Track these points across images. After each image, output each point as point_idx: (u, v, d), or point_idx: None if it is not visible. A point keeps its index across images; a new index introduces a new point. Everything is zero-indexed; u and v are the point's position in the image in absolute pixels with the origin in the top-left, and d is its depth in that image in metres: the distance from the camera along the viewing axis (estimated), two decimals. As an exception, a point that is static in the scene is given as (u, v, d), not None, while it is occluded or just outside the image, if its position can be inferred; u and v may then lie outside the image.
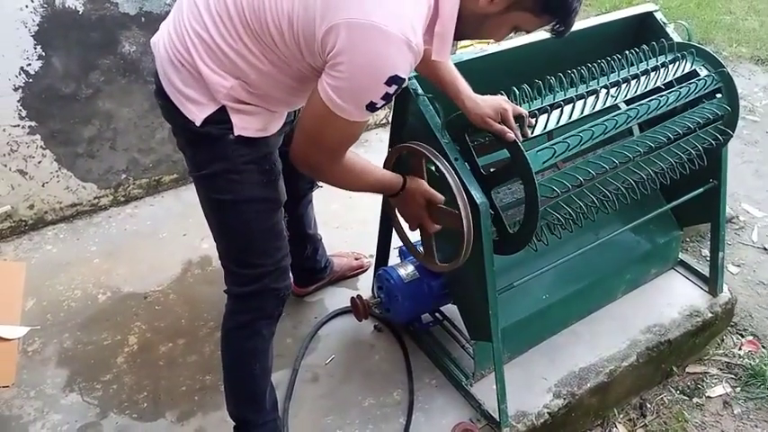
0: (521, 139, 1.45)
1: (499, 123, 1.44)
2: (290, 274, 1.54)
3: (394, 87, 1.12)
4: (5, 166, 2.24)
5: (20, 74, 2.12)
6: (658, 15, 1.97)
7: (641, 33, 1.95)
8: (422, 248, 1.67)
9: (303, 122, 1.24)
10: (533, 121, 1.51)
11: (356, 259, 2.26)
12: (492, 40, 1.33)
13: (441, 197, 1.49)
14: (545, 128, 1.52)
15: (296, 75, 1.26)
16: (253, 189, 1.36)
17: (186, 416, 1.79)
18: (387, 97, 1.13)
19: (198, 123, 1.28)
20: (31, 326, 1.76)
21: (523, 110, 1.50)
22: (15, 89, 2.14)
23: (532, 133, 1.50)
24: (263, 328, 1.53)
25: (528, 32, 1.29)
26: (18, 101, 2.16)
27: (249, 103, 1.28)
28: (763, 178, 3.17)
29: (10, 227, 2.36)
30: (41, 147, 2.28)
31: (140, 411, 1.80)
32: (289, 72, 1.25)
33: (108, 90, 2.31)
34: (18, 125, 2.20)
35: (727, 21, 4.89)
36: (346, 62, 1.10)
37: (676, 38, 1.92)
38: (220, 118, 1.27)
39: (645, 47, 1.78)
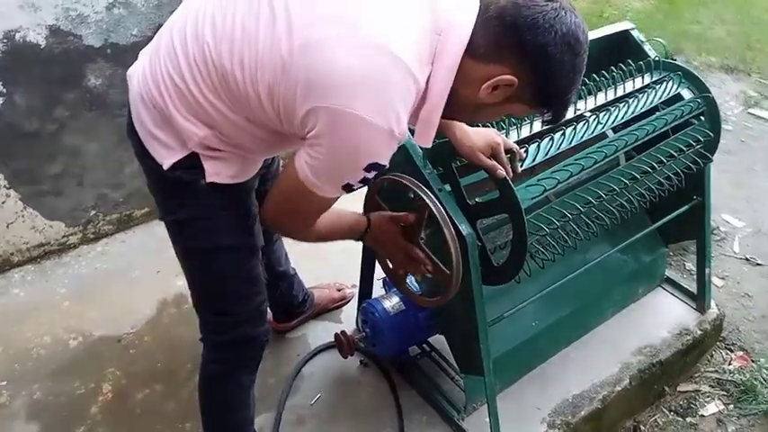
0: (510, 175, 1.40)
1: (490, 158, 1.39)
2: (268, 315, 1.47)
3: (373, 173, 1.10)
4: (-34, 208, 2.14)
5: (-21, 112, 2.03)
6: (635, 33, 1.96)
7: (620, 51, 1.93)
8: (410, 281, 1.61)
9: (277, 190, 1.21)
10: (524, 154, 1.47)
11: (338, 290, 2.19)
12: None
13: (408, 216, 1.42)
14: (534, 160, 1.48)
15: (273, 132, 1.19)
16: (227, 236, 1.29)
17: (166, 467, 1.71)
18: (364, 181, 1.12)
19: (165, 167, 1.20)
20: (-3, 378, 1.68)
21: (515, 145, 1.45)
22: (-25, 128, 2.05)
23: (522, 167, 1.46)
24: (242, 377, 1.46)
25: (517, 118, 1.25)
26: (-22, 140, 2.07)
27: (222, 150, 1.21)
28: (740, 187, 3.18)
29: (-27, 271, 2.25)
30: (5, 187, 2.18)
31: (117, 465, 1.71)
32: (265, 129, 1.18)
33: (74, 125, 2.23)
34: (-21, 165, 2.11)
35: (695, 30, 4.96)
36: (326, 145, 1.06)
37: (653, 55, 1.91)
38: (191, 163, 1.20)
39: (628, 66, 1.76)
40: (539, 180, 1.49)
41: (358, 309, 1.92)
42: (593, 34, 1.93)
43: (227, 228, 1.28)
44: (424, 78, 1.07)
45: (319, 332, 2.07)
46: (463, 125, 1.40)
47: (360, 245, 1.83)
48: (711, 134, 1.81)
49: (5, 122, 2.10)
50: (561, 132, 1.57)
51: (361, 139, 1.04)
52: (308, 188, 1.12)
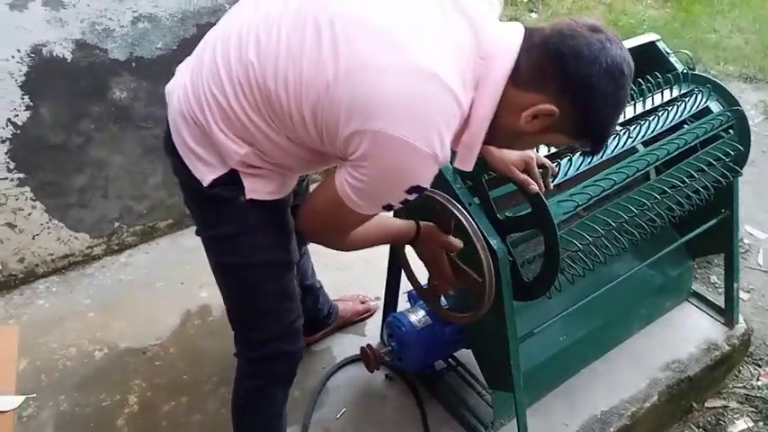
0: (543, 190, 1.39)
1: (522, 172, 1.38)
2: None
3: (414, 195, 1.10)
4: (-7, 219, 2.16)
5: (7, 125, 2.05)
6: (661, 45, 1.95)
7: (645, 63, 1.92)
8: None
9: (315, 204, 1.21)
10: (556, 169, 1.46)
11: (362, 303, 2.19)
12: None
13: (458, 242, 1.42)
14: (565, 175, 1.47)
15: (313, 151, 1.19)
16: (264, 252, 1.29)
17: (192, 481, 1.70)
18: (405, 202, 1.12)
19: (206, 184, 1.21)
20: (24, 388, 1.67)
21: (547, 161, 1.44)
22: (2, 141, 2.06)
23: (554, 182, 1.45)
24: (277, 393, 1.46)
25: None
26: (6, 153, 2.08)
27: (262, 168, 1.21)
28: (762, 198, 3.14)
29: (0, 282, 2.26)
30: (31, 198, 2.19)
31: (144, 478, 1.71)
32: (306, 149, 1.18)
33: (99, 138, 2.24)
34: (6, 178, 2.12)
35: (713, 39, 4.93)
36: (369, 168, 1.06)
37: (680, 66, 1.90)
38: (230, 180, 1.20)
39: (656, 78, 1.75)
40: (570, 195, 1.48)
41: (383, 322, 1.91)
42: (621, 47, 1.93)
43: (264, 244, 1.28)
44: (467, 103, 1.07)
45: (344, 345, 2.06)
46: None
47: (382, 255, 1.84)
48: (741, 147, 1.79)
49: (32, 135, 2.11)
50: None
51: (404, 162, 1.04)
52: (347, 205, 1.12)
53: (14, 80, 2.00)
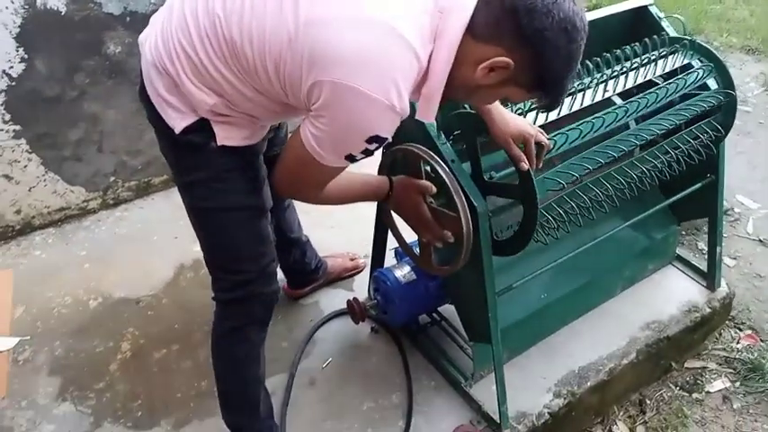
0: (534, 168, 1.42)
1: (519, 146, 1.40)
2: (279, 278, 1.51)
3: (375, 145, 1.14)
4: (-10, 171, 2.20)
5: (2, 77, 2.07)
6: (653, 9, 1.95)
7: (636, 28, 1.93)
8: (418, 251, 1.64)
9: (285, 159, 1.25)
10: (551, 146, 1.47)
11: (351, 260, 2.23)
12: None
13: (431, 186, 1.43)
14: (558, 149, 1.49)
15: (280, 103, 1.23)
16: (237, 197, 1.34)
17: (182, 423, 1.76)
18: (366, 152, 1.15)
19: (177, 131, 1.24)
20: (20, 335, 1.73)
21: (545, 139, 1.44)
22: (-2, 93, 2.09)
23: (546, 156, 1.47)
24: (252, 334, 1.51)
25: (514, 103, 1.31)
26: (1, 104, 2.11)
27: (231, 116, 1.25)
28: (756, 169, 3.16)
29: (-3, 233, 2.31)
30: (27, 151, 2.23)
31: (135, 420, 1.77)
32: (273, 100, 1.22)
33: (93, 92, 2.26)
34: (2, 129, 2.15)
35: (717, 11, 4.87)
36: (328, 117, 1.10)
37: (672, 32, 1.90)
38: (201, 127, 1.24)
39: (640, 42, 1.75)
40: (558, 172, 1.51)
41: (370, 277, 1.95)
42: (610, 9, 1.93)
43: (236, 189, 1.33)
44: (425, 55, 1.10)
45: (332, 299, 2.11)
46: (502, 109, 1.41)
47: (372, 214, 1.87)
48: (724, 97, 1.78)
49: (28, 87, 2.14)
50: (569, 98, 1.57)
51: (361, 112, 1.08)
52: (313, 157, 1.16)
53: (9, 31, 2.02)
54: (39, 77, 2.14)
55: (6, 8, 1.97)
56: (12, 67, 2.06)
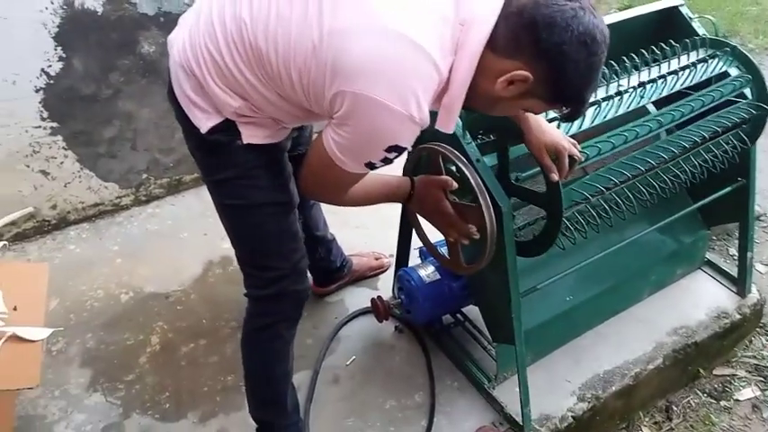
0: (563, 179, 1.42)
1: (551, 156, 1.41)
2: (309, 276, 1.54)
3: (394, 154, 1.16)
4: (28, 166, 2.26)
5: (41, 75, 2.13)
6: (684, 10, 1.92)
7: (667, 28, 1.91)
8: (444, 250, 1.64)
9: (309, 163, 1.27)
10: (583, 158, 1.48)
11: (376, 259, 2.24)
12: None
13: (451, 180, 1.44)
14: (569, 130, 1.49)
15: (302, 109, 1.26)
16: (264, 193, 1.36)
17: (208, 416, 1.80)
18: (386, 160, 1.18)
19: (204, 131, 1.28)
20: (54, 326, 1.77)
21: (578, 153, 1.45)
22: (37, 91, 2.15)
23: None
24: (283, 331, 1.53)
25: (536, 114, 1.31)
26: (39, 102, 2.17)
27: (255, 117, 1.28)
28: (791, 173, 3.09)
29: (33, 227, 2.38)
30: (63, 147, 2.29)
31: (163, 412, 1.81)
32: (296, 106, 1.25)
33: (128, 90, 2.32)
34: (40, 126, 2.21)
35: (754, 12, 4.78)
36: (350, 126, 1.13)
37: (703, 32, 1.88)
38: (227, 127, 1.27)
39: (675, 43, 1.73)
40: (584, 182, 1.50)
41: (394, 276, 1.96)
42: (641, 10, 1.91)
43: (262, 185, 1.35)
44: (446, 67, 1.11)
45: (357, 297, 2.13)
46: (540, 117, 1.42)
47: (397, 214, 1.89)
48: (758, 111, 1.76)
49: (65, 85, 2.20)
50: (600, 107, 1.56)
51: (382, 123, 1.10)
52: (335, 162, 1.18)
53: (48, 31, 2.08)
54: (75, 76, 2.20)
55: (46, 8, 2.03)
56: (50, 65, 2.13)
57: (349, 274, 2.15)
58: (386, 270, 2.23)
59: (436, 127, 1.20)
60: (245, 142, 1.29)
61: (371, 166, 1.20)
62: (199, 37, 1.23)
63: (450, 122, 1.19)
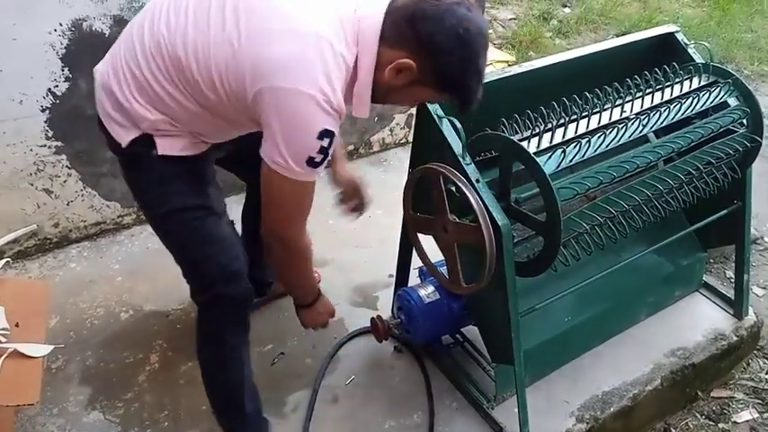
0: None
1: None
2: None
3: (327, 140, 1.26)
4: (32, 185, 2.28)
5: (47, 95, 2.17)
6: (680, 36, 1.97)
7: (663, 54, 1.95)
8: (444, 270, 1.66)
9: (263, 193, 1.36)
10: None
11: None
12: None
13: (332, 316, 1.78)
14: (583, 156, 1.51)
15: (224, 117, 1.36)
16: (183, 198, 1.44)
17: (206, 435, 1.79)
18: (323, 151, 1.27)
19: (124, 145, 1.38)
20: (54, 343, 1.78)
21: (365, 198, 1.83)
22: (43, 110, 2.18)
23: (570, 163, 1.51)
24: (228, 337, 1.55)
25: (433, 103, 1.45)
26: (45, 121, 2.20)
27: (172, 131, 1.37)
28: (787, 198, 3.12)
29: (35, 244, 2.39)
30: (67, 166, 2.31)
31: (161, 430, 1.81)
32: (217, 114, 1.35)
33: (132, 111, 2.35)
34: (45, 145, 2.24)
35: (749, 39, 4.87)
36: (276, 122, 1.24)
37: (698, 59, 1.92)
38: (145, 140, 1.37)
39: (678, 69, 1.77)
40: (580, 179, 1.52)
41: (394, 296, 1.98)
42: (637, 36, 1.95)
43: (179, 191, 1.43)
44: (351, 57, 1.27)
45: (356, 317, 2.13)
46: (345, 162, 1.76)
47: (397, 234, 1.91)
48: (753, 143, 1.80)
49: (70, 105, 2.22)
50: (601, 134, 1.59)
51: (302, 109, 1.21)
52: (282, 175, 1.27)
53: (56, 52, 2.11)
54: (81, 96, 2.23)
55: (55, 30, 2.07)
56: (57, 86, 2.16)
57: (271, 293, 2.13)
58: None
59: (353, 114, 1.34)
60: (159, 153, 1.37)
61: (313, 162, 1.27)
62: (120, 59, 1.35)
63: (364, 108, 1.34)
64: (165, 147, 1.39)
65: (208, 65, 1.25)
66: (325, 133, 1.24)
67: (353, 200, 1.81)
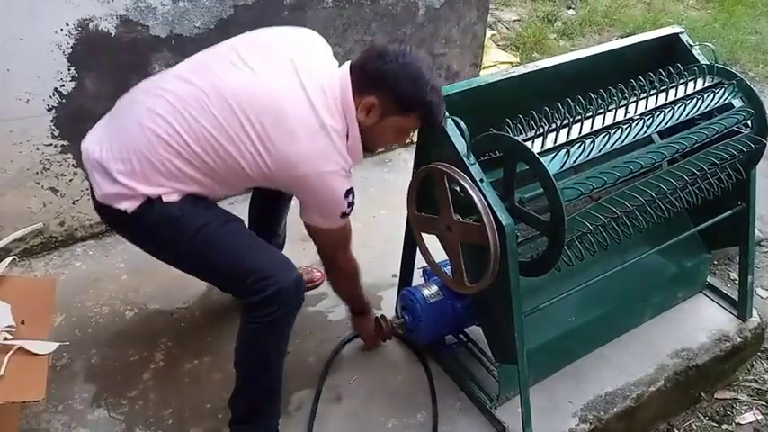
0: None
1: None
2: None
3: (351, 196, 1.56)
4: (38, 183, 2.29)
5: (53, 95, 2.18)
6: (684, 37, 1.97)
7: (668, 55, 1.95)
8: (448, 270, 1.67)
9: (319, 244, 1.69)
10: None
11: (306, 273, 2.23)
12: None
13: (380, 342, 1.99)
14: (576, 161, 1.51)
15: (235, 186, 1.64)
16: (202, 216, 1.56)
17: (210, 433, 1.80)
18: (350, 204, 1.57)
19: (129, 212, 1.51)
20: (60, 341, 1.80)
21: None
22: (49, 109, 2.19)
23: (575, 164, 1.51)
24: (287, 325, 1.61)
25: (414, 130, 1.62)
26: (51, 121, 2.21)
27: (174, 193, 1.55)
28: (791, 200, 3.11)
29: (41, 243, 2.40)
30: (73, 165, 2.32)
31: (165, 428, 1.81)
32: (230, 186, 1.63)
33: (138, 110, 2.35)
34: (51, 144, 2.25)
35: (753, 41, 4.86)
36: (311, 198, 1.56)
37: (703, 60, 1.92)
38: (148, 201, 1.52)
39: (683, 69, 1.77)
40: (586, 180, 1.53)
41: (398, 296, 1.98)
42: (642, 37, 1.96)
43: (196, 213, 1.55)
44: (344, 124, 1.52)
45: (360, 317, 2.13)
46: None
47: (401, 234, 1.91)
48: (757, 144, 1.80)
49: (76, 105, 2.24)
50: (606, 135, 1.59)
51: (328, 182, 1.52)
52: (325, 228, 1.60)
53: (62, 52, 2.12)
54: (87, 95, 2.24)
55: (61, 30, 2.08)
56: (63, 85, 2.17)
57: None
58: (319, 285, 2.24)
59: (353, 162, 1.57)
60: (164, 200, 1.51)
61: (344, 215, 1.58)
62: (126, 147, 1.51)
63: (359, 155, 1.58)
64: (168, 196, 1.53)
65: (234, 170, 1.52)
66: (349, 192, 1.54)
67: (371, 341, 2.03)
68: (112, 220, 1.61)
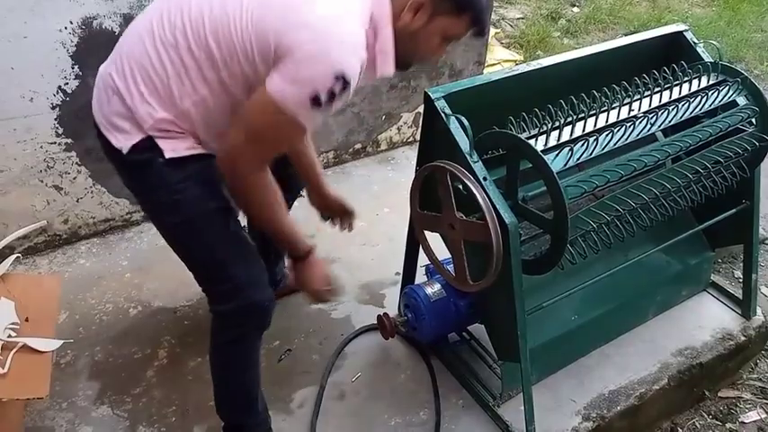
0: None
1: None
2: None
3: (339, 87, 1.22)
4: (42, 181, 2.30)
5: (57, 93, 2.18)
6: (689, 35, 1.96)
7: (672, 53, 1.94)
8: (451, 267, 1.66)
9: (245, 117, 1.30)
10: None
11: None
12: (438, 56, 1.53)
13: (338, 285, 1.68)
14: (579, 159, 1.51)
15: (234, 94, 1.33)
16: (199, 203, 1.40)
17: (214, 431, 1.80)
18: (330, 96, 1.22)
19: (125, 151, 1.35)
20: (64, 339, 1.80)
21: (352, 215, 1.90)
22: (53, 107, 2.19)
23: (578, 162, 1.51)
24: (251, 340, 1.54)
25: (458, 39, 1.43)
26: (55, 119, 2.22)
27: (172, 131, 1.35)
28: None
29: (45, 241, 2.41)
30: (77, 163, 2.33)
31: (169, 425, 1.82)
32: (229, 92, 1.33)
33: (142, 108, 2.36)
34: (55, 142, 2.26)
35: (759, 39, 4.84)
36: (298, 48, 1.21)
37: (707, 57, 1.91)
38: (148, 144, 1.34)
39: (687, 67, 1.76)
40: (589, 178, 1.52)
41: (401, 293, 1.98)
42: (646, 34, 1.95)
43: (195, 196, 1.39)
44: (367, 15, 1.30)
45: (363, 314, 2.14)
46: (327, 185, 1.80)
47: (404, 232, 1.91)
48: (759, 144, 1.79)
49: (80, 103, 2.24)
50: (609, 132, 1.58)
51: (332, 44, 1.22)
52: (276, 102, 1.23)
53: (66, 50, 2.13)
54: (91, 93, 2.22)
55: (65, 28, 2.09)
56: (67, 83, 2.17)
57: (282, 289, 2.11)
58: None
59: (379, 74, 1.37)
60: (167, 157, 1.34)
61: (316, 101, 1.22)
62: (125, 56, 1.36)
63: (390, 64, 1.37)
64: (171, 149, 1.35)
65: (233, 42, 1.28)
66: (342, 78, 1.21)
67: (344, 218, 1.89)
68: (108, 150, 1.44)
